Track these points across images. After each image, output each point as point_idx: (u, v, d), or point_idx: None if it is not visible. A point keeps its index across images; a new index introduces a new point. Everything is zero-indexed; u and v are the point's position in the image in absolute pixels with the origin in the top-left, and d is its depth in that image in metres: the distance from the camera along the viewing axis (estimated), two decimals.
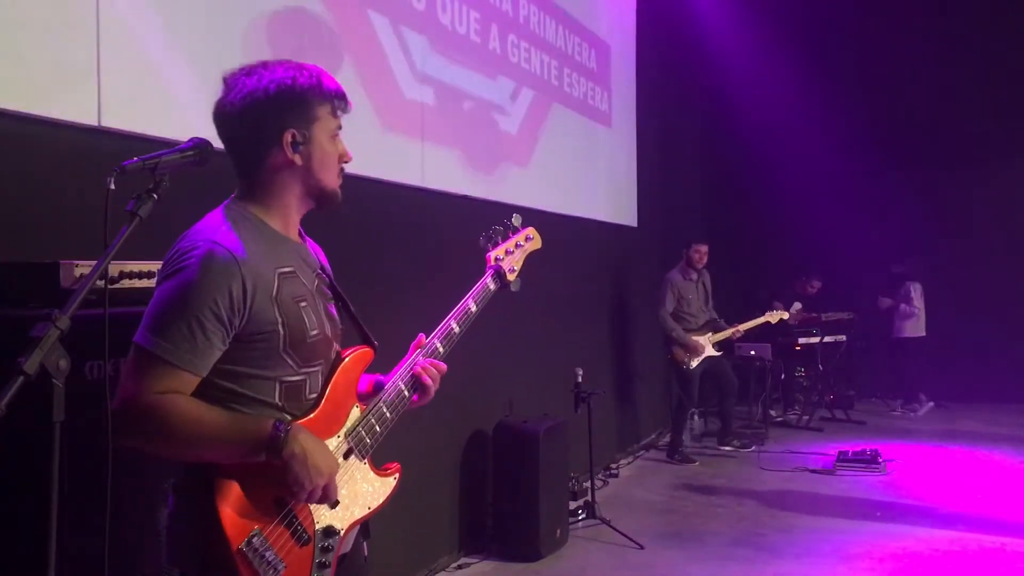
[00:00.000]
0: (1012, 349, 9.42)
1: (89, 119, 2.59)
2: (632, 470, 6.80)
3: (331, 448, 1.72)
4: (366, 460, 1.83)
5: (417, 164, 4.35)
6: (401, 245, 4.24)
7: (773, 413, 8.60)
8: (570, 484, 5.24)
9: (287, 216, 1.77)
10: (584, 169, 6.55)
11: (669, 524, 5.30)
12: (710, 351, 7.10)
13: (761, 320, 7.42)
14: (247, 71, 1.71)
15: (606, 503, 5.51)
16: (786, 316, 7.41)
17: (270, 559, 1.60)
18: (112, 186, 1.47)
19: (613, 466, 6.68)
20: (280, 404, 1.69)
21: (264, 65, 1.72)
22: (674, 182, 8.84)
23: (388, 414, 1.85)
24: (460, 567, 4.55)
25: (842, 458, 6.70)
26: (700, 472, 6.71)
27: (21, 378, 1.30)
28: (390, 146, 4.14)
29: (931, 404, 9.43)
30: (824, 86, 9.80)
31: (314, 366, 1.74)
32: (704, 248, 7.20)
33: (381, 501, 1.85)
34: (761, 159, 10.17)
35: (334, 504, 1.73)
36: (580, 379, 5.29)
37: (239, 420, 1.62)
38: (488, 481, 4.86)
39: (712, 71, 9.64)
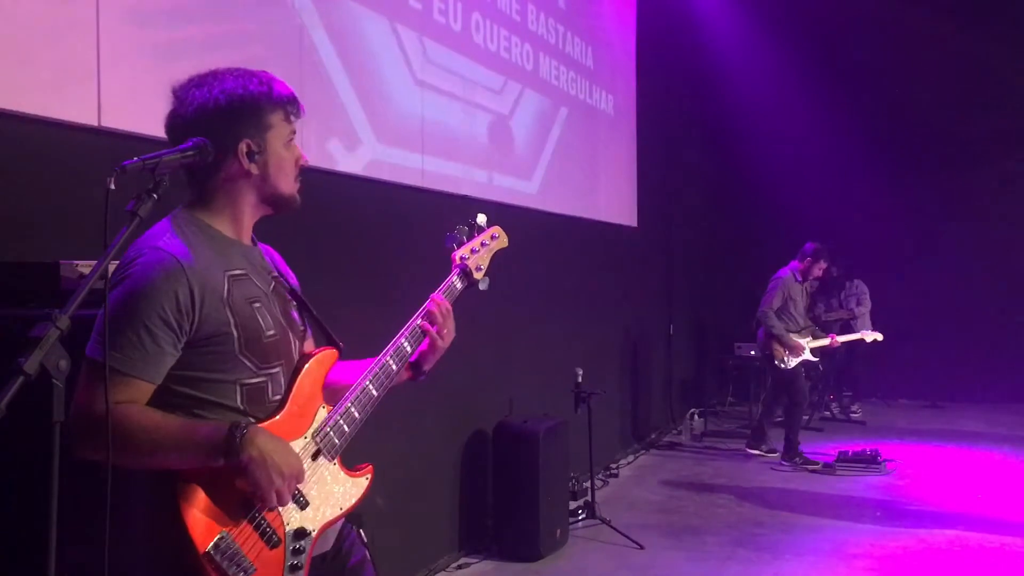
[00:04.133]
0: (1012, 349, 9.42)
1: (89, 119, 2.59)
2: (632, 470, 6.80)
3: (298, 449, 1.70)
4: (336, 461, 1.80)
5: (417, 164, 4.35)
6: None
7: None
8: (570, 484, 5.23)
9: (239, 221, 1.75)
10: (584, 169, 6.55)
11: (669, 524, 5.30)
12: (807, 354, 7.01)
13: (857, 336, 7.40)
14: (197, 82, 1.71)
15: (606, 503, 5.51)
16: (880, 338, 7.38)
17: (239, 561, 1.57)
18: (112, 186, 1.47)
19: (613, 466, 6.68)
20: (243, 408, 1.67)
21: (214, 75, 1.71)
22: (674, 182, 8.84)
23: (356, 414, 1.82)
24: (460, 567, 4.55)
25: (842, 458, 6.71)
26: (700, 472, 6.71)
27: (21, 378, 1.30)
28: (389, 147, 4.14)
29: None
30: (825, 85, 9.79)
31: (274, 367, 1.73)
32: (826, 267, 7.18)
33: (353, 502, 1.82)
34: (762, 158, 10.16)
35: (304, 505, 1.72)
36: (580, 379, 5.29)
37: (194, 426, 1.60)
38: (488, 481, 4.86)
39: (713, 70, 9.64)
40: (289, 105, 1.76)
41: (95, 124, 2.61)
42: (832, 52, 9.97)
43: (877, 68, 9.98)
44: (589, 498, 5.29)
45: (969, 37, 9.51)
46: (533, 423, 4.76)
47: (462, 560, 4.62)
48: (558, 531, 4.80)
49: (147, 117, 2.75)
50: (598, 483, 5.56)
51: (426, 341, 1.96)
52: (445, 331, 1.96)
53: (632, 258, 7.57)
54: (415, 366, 1.98)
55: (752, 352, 8.24)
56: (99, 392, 1.50)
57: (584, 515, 5.24)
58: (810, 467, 6.66)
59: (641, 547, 4.81)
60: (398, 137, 4.21)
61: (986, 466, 6.77)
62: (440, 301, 1.98)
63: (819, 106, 9.72)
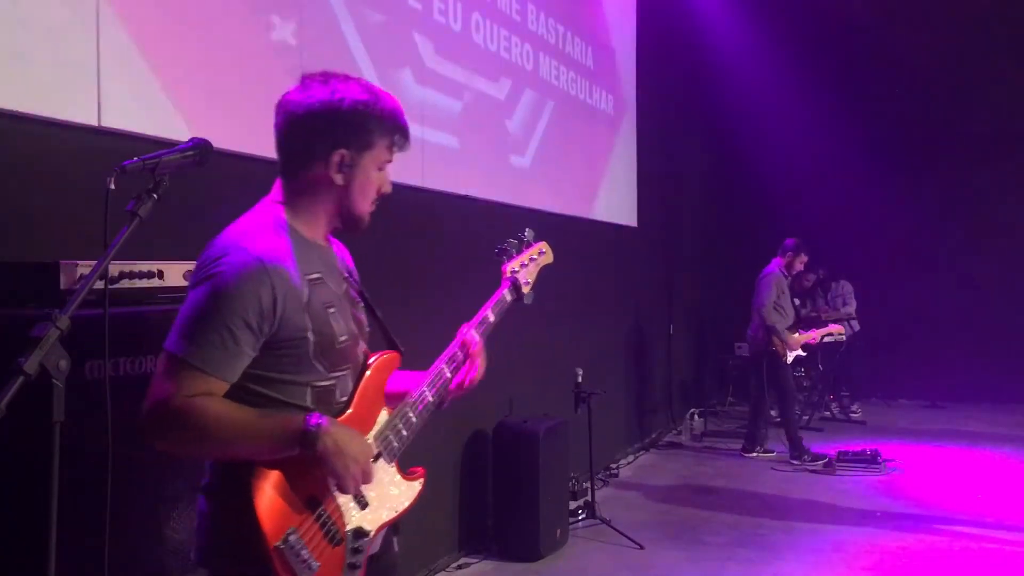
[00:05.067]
0: (1012, 349, 9.43)
1: (89, 119, 2.59)
2: (632, 470, 6.80)
3: None
4: (393, 464, 1.84)
5: (417, 164, 4.34)
6: (410, 250, 4.24)
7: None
8: (570, 484, 5.23)
9: (317, 224, 1.77)
10: (584, 169, 6.55)
11: (669, 524, 5.30)
12: (799, 350, 7.11)
13: (825, 331, 7.46)
14: (324, 78, 1.72)
15: (606, 503, 5.51)
16: (841, 330, 7.64)
17: (305, 557, 1.61)
18: (112, 186, 1.47)
19: (613, 466, 6.68)
20: (311, 408, 1.70)
21: (344, 78, 1.73)
22: (674, 182, 8.84)
23: (414, 418, 1.86)
24: (460, 567, 4.55)
25: (842, 458, 6.71)
26: (700, 472, 6.71)
27: (21, 378, 1.30)
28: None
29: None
30: (826, 85, 9.80)
31: (343, 370, 1.76)
32: (806, 260, 7.34)
33: (407, 504, 1.86)
34: (762, 158, 10.17)
35: (364, 506, 1.75)
36: (580, 379, 5.29)
37: (271, 417, 1.63)
38: (488, 481, 4.86)
39: (713, 70, 9.64)
40: (398, 135, 1.78)
41: (95, 124, 2.60)
42: (832, 52, 9.98)
43: (878, 68, 9.98)
44: (589, 498, 5.30)
45: (970, 37, 9.51)
46: (533, 423, 4.76)
47: (462, 560, 4.62)
48: (558, 531, 4.80)
49: (147, 117, 2.76)
50: (598, 483, 5.56)
51: (459, 375, 1.96)
52: (478, 368, 1.97)
53: (632, 258, 7.57)
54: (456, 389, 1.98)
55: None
56: (176, 385, 1.54)
57: (584, 515, 5.24)
58: (820, 462, 6.67)
59: (641, 547, 4.81)
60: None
61: (986, 466, 6.77)
62: (474, 342, 1.97)
63: (819, 106, 9.73)
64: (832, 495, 5.91)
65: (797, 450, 6.83)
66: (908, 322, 9.68)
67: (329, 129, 1.69)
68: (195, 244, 2.67)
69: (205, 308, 1.57)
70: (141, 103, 2.76)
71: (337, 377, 1.74)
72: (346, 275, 1.86)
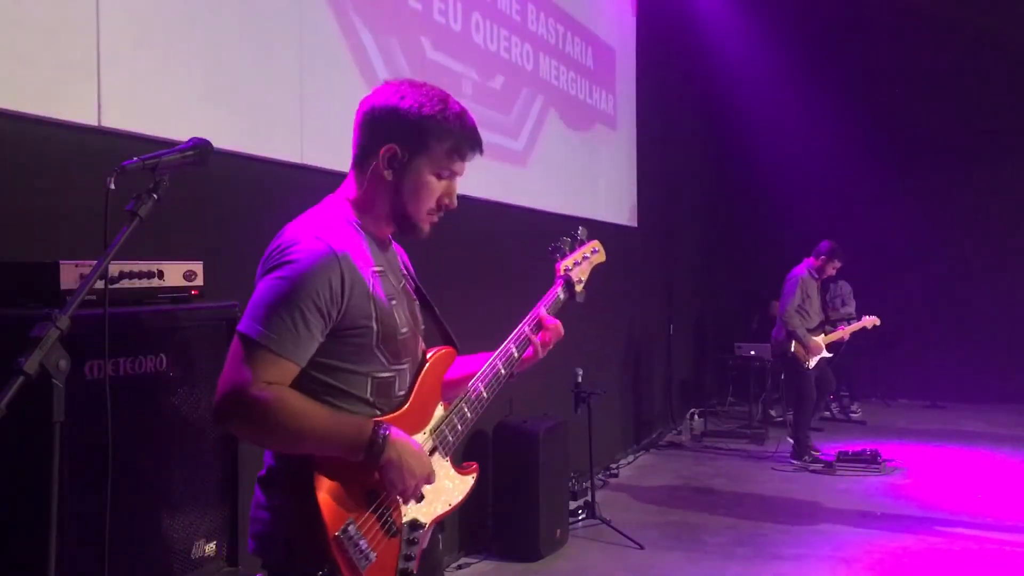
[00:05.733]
0: (1012, 349, 9.43)
1: (89, 119, 2.59)
2: (632, 470, 6.80)
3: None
4: (448, 458, 1.88)
5: None
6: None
7: (773, 413, 8.60)
8: (570, 484, 5.23)
9: (378, 221, 1.81)
10: (584, 169, 6.55)
11: (669, 524, 5.30)
12: (824, 352, 7.04)
13: (859, 324, 7.36)
14: (400, 81, 1.80)
15: (606, 503, 5.51)
16: (878, 321, 7.40)
17: (363, 548, 1.65)
18: (112, 186, 1.47)
19: (613, 466, 6.68)
20: (371, 399, 1.74)
21: (420, 84, 1.79)
22: (674, 182, 8.84)
23: (469, 413, 1.90)
24: (460, 567, 4.55)
25: (842, 458, 6.71)
26: (700, 472, 6.71)
27: (21, 378, 1.30)
28: None
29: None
30: (826, 85, 9.80)
31: (403, 363, 1.80)
32: (840, 265, 7.18)
33: (460, 498, 1.91)
34: (762, 158, 10.17)
35: (420, 499, 1.78)
36: (580, 379, 5.28)
37: (341, 420, 1.67)
38: (488, 481, 4.85)
39: (713, 70, 9.64)
40: (464, 142, 1.79)
41: (95, 124, 2.60)
42: (833, 51, 9.98)
43: (879, 67, 9.97)
44: (589, 498, 5.30)
45: (972, 36, 9.51)
46: (533, 423, 4.76)
47: (462, 560, 4.62)
48: (558, 531, 4.80)
49: (147, 117, 2.76)
50: (598, 483, 5.56)
51: (528, 352, 2.03)
52: (552, 346, 2.05)
53: (632, 258, 7.57)
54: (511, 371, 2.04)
55: (752, 352, 8.25)
56: (253, 370, 1.58)
57: (584, 515, 5.24)
58: (820, 464, 6.65)
59: (641, 547, 4.81)
60: None
61: (986, 466, 6.77)
62: (553, 323, 2.05)
63: (820, 106, 9.73)
64: (832, 495, 5.91)
65: (800, 450, 6.82)
66: (908, 322, 9.68)
67: (386, 126, 1.75)
68: (195, 244, 2.67)
69: (279, 293, 1.61)
70: (141, 103, 2.76)
71: (397, 370, 1.78)
72: (405, 273, 1.91)
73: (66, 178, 2.52)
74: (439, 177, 1.79)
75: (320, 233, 1.67)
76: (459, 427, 1.88)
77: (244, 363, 1.59)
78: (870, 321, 7.34)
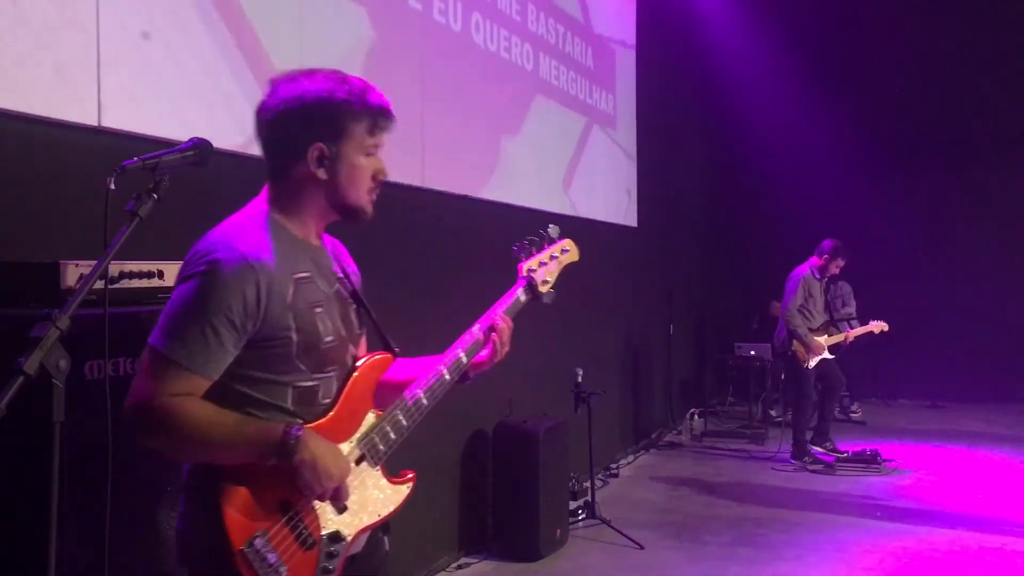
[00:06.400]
0: (1012, 349, 9.42)
1: (89, 119, 2.59)
2: (632, 470, 6.80)
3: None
4: (379, 467, 1.81)
5: (417, 165, 4.35)
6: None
7: (773, 413, 8.60)
8: (570, 484, 5.23)
9: (307, 223, 1.76)
10: (584, 169, 6.55)
11: (669, 524, 5.29)
12: (826, 353, 7.01)
13: (866, 329, 7.32)
14: (291, 77, 1.71)
15: (606, 503, 5.51)
16: (886, 327, 7.32)
17: (272, 561, 1.59)
18: (112, 186, 1.47)
19: (613, 466, 6.68)
20: (292, 409, 1.68)
21: (309, 74, 1.71)
22: (674, 182, 8.84)
23: (404, 421, 1.82)
24: (460, 567, 4.55)
25: (842, 458, 6.71)
26: (700, 472, 6.70)
27: (21, 378, 1.30)
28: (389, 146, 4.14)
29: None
30: (826, 85, 9.80)
31: (328, 372, 1.73)
32: (843, 264, 7.12)
33: (392, 509, 1.83)
34: (762, 158, 10.17)
35: (342, 510, 1.72)
36: (580, 379, 5.28)
37: (250, 424, 1.62)
38: (488, 481, 4.86)
39: (713, 70, 9.64)
40: (379, 117, 1.74)
41: (95, 124, 2.60)
42: (835, 50, 9.97)
43: (881, 65, 9.97)
44: (589, 498, 5.29)
45: (970, 36, 9.50)
46: (533, 423, 4.76)
47: (462, 560, 4.62)
48: (558, 531, 4.80)
49: (147, 117, 2.76)
50: (598, 483, 5.55)
51: (482, 355, 1.95)
52: (507, 349, 1.97)
53: (632, 258, 7.57)
54: (463, 376, 1.97)
55: (752, 352, 8.24)
56: (159, 383, 1.54)
57: (584, 515, 5.24)
58: (819, 465, 6.65)
59: (641, 547, 4.80)
60: (398, 135, 4.21)
61: (986, 466, 6.77)
62: (506, 323, 1.97)
63: (821, 105, 9.72)
64: (832, 495, 5.91)
65: (799, 451, 6.82)
66: (908, 322, 9.65)
67: (301, 125, 1.67)
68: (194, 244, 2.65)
69: (190, 305, 1.57)
70: (141, 103, 2.76)
71: (321, 379, 1.72)
72: (340, 276, 1.83)
73: (66, 178, 2.52)
74: (368, 155, 1.75)
75: (236, 242, 1.62)
76: (392, 435, 1.80)
77: (151, 376, 1.55)
78: (877, 326, 7.28)
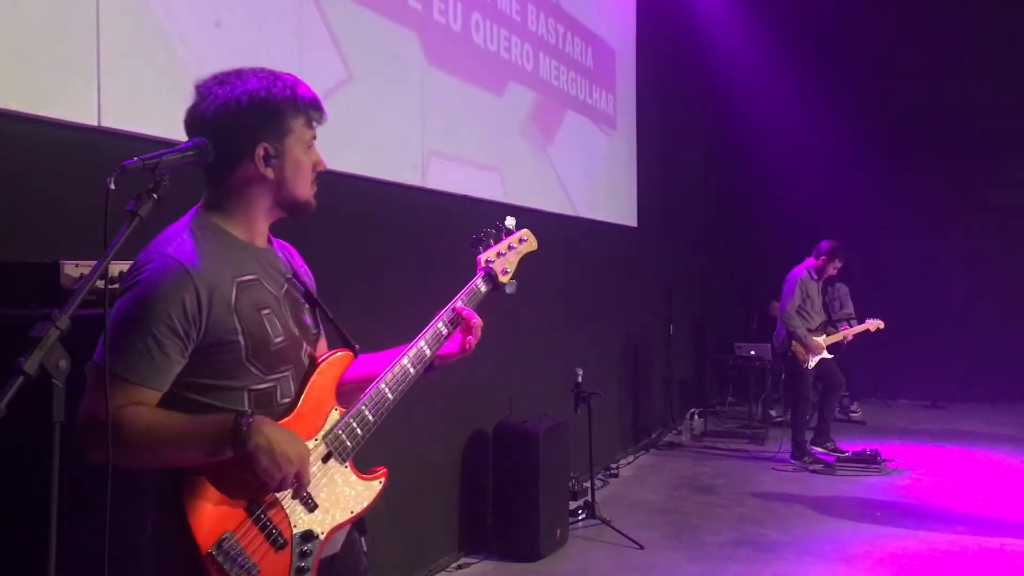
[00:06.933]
0: (1012, 349, 9.42)
1: (89, 119, 2.59)
2: (632, 470, 6.80)
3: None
4: (348, 464, 1.79)
5: (417, 164, 4.35)
6: (394, 246, 4.24)
7: (773, 413, 8.60)
8: (570, 484, 5.23)
9: (252, 224, 1.75)
10: (584, 169, 6.55)
11: (669, 524, 5.30)
12: (825, 352, 7.01)
13: (863, 327, 7.30)
14: (219, 80, 1.69)
15: (606, 503, 5.51)
16: (881, 325, 7.30)
17: (242, 563, 1.57)
18: (112, 186, 1.47)
19: (613, 466, 6.68)
20: (251, 412, 1.66)
21: (238, 74, 1.69)
22: (674, 182, 8.84)
23: (370, 416, 1.80)
24: (460, 567, 4.55)
25: (842, 458, 6.71)
26: (700, 472, 6.71)
27: (21, 378, 1.30)
28: (388, 145, 4.14)
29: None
30: (825, 85, 9.80)
31: (282, 372, 1.72)
32: (840, 265, 7.13)
33: (365, 505, 1.81)
34: (763, 158, 10.18)
35: (312, 508, 1.71)
36: (580, 379, 5.28)
37: (200, 420, 1.60)
38: (488, 481, 4.86)
39: (713, 70, 9.64)
40: (312, 110, 1.75)
41: (95, 124, 2.60)
42: (835, 50, 9.98)
43: (881, 65, 9.97)
44: (589, 498, 5.29)
45: (970, 36, 9.50)
46: (533, 423, 4.76)
47: (462, 560, 4.62)
48: (558, 531, 4.80)
49: (147, 117, 2.76)
50: (598, 483, 5.56)
51: (447, 346, 1.96)
52: (474, 339, 1.98)
53: (632, 258, 7.57)
54: (428, 367, 1.96)
55: (752, 352, 8.24)
56: (105, 399, 1.50)
57: (584, 515, 5.24)
58: (820, 465, 6.65)
59: (641, 547, 4.81)
60: (398, 136, 4.21)
61: (986, 466, 6.77)
62: (470, 313, 1.98)
63: (821, 105, 9.72)
64: (832, 495, 5.91)
65: (799, 451, 6.82)
66: (907, 322, 9.66)
67: (241, 127, 1.66)
68: None
69: (129, 317, 1.56)
70: (141, 103, 2.76)
71: (276, 379, 1.70)
72: (289, 276, 1.82)
73: (66, 178, 2.52)
74: (309, 148, 1.75)
75: (174, 249, 1.60)
76: (359, 431, 1.78)
77: (98, 392, 1.51)
78: (873, 324, 7.28)
